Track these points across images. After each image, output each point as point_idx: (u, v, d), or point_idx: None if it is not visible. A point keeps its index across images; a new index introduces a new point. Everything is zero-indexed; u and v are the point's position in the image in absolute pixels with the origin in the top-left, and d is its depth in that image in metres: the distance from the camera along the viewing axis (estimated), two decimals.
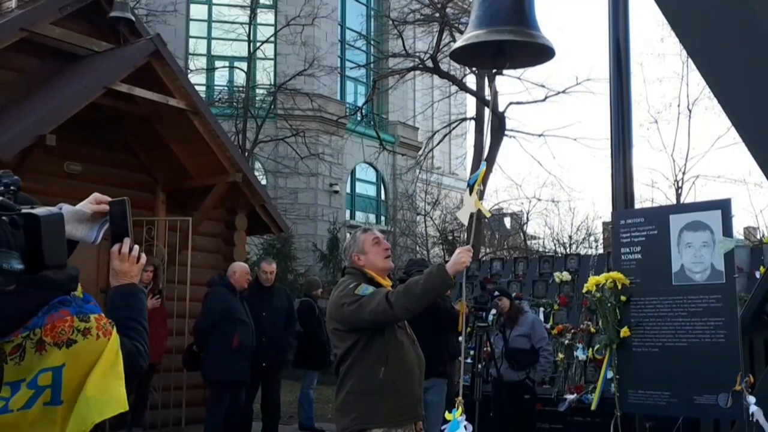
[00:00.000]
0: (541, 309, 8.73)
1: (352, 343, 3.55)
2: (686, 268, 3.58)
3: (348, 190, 23.41)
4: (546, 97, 18.24)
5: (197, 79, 19.83)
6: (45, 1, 7.76)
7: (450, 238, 20.29)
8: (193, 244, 8.39)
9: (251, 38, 19.49)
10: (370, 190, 24.56)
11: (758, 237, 17.03)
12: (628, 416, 3.83)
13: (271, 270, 7.80)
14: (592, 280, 3.80)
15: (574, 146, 48.85)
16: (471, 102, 21.18)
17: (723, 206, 3.53)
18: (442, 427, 3.34)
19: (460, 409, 3.27)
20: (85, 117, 7.42)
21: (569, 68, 39.81)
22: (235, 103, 19.60)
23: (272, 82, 20.86)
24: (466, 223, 3.49)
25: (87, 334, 1.78)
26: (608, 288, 3.73)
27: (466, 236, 17.52)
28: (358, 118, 21.89)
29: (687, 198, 18.56)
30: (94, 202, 2.02)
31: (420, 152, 22.88)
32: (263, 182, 19.32)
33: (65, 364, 1.75)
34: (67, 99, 7.27)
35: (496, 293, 7.21)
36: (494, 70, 14.78)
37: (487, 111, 17.45)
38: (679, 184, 19.02)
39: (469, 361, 6.61)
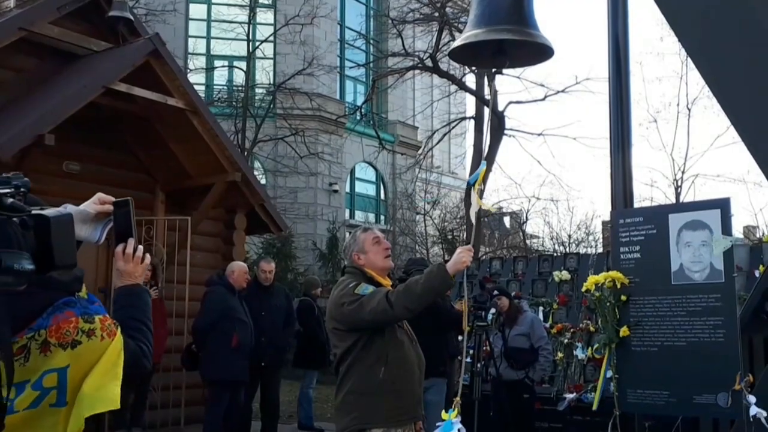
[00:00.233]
0: (541, 308, 8.73)
1: (351, 343, 3.55)
2: (685, 268, 3.58)
3: (347, 189, 23.41)
4: (545, 97, 18.26)
5: (196, 79, 19.82)
6: (43, 0, 7.76)
7: (449, 237, 20.29)
8: (192, 244, 8.38)
9: (250, 37, 19.48)
10: (370, 190, 24.56)
11: (757, 236, 17.04)
12: (627, 415, 3.83)
13: (270, 269, 7.80)
14: (591, 280, 3.79)
15: (573, 145, 48.90)
16: (470, 101, 21.19)
17: (722, 205, 3.53)
18: (436, 424, 3.34)
19: (455, 411, 3.26)
20: (84, 116, 7.41)
21: (569, 67, 39.81)
22: (234, 103, 19.60)
23: (271, 82, 20.85)
24: (475, 222, 3.49)
25: (91, 335, 1.79)
26: (607, 287, 3.73)
27: (466, 235, 17.54)
28: (358, 118, 21.90)
29: (686, 197, 18.59)
30: (98, 202, 2.02)
31: (419, 151, 22.88)
32: (262, 182, 19.33)
33: (70, 365, 1.76)
34: (66, 98, 7.26)
35: (496, 292, 7.21)
36: (494, 70, 14.80)
37: (486, 110, 17.47)
38: (679, 184, 19.05)
39: (468, 360, 6.61)
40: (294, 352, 9.03)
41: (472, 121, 19.55)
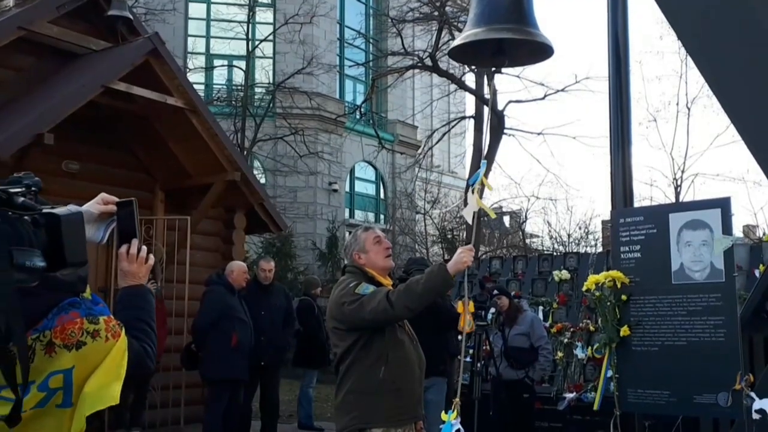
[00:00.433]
0: (541, 307, 8.73)
1: (352, 342, 3.54)
2: (686, 267, 3.57)
3: (347, 188, 23.41)
4: (545, 96, 18.25)
5: (196, 78, 19.81)
6: None
7: (449, 236, 20.29)
8: (191, 243, 8.37)
9: (250, 37, 19.48)
10: (370, 189, 24.56)
11: (757, 235, 17.04)
12: (628, 415, 3.82)
13: (270, 268, 7.79)
14: (591, 279, 3.79)
15: (573, 144, 48.86)
16: (470, 100, 21.19)
17: (722, 205, 3.52)
18: (439, 427, 3.33)
19: (455, 412, 3.26)
20: (84, 116, 7.41)
21: (568, 66, 39.81)
22: (233, 102, 19.60)
23: (271, 81, 20.85)
24: (470, 222, 3.48)
25: (96, 336, 1.79)
26: (607, 287, 3.72)
27: (466, 235, 17.54)
28: (357, 117, 21.90)
29: (686, 196, 18.59)
30: (101, 202, 2.02)
31: (419, 151, 22.88)
32: (262, 181, 19.34)
33: (75, 366, 1.76)
34: (66, 98, 7.26)
35: (495, 292, 7.21)
36: (493, 69, 14.79)
37: (486, 109, 17.45)
38: (678, 183, 19.05)
39: (468, 359, 6.61)
40: (294, 352, 9.02)
41: (472, 121, 19.55)
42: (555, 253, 14.77)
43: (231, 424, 7.02)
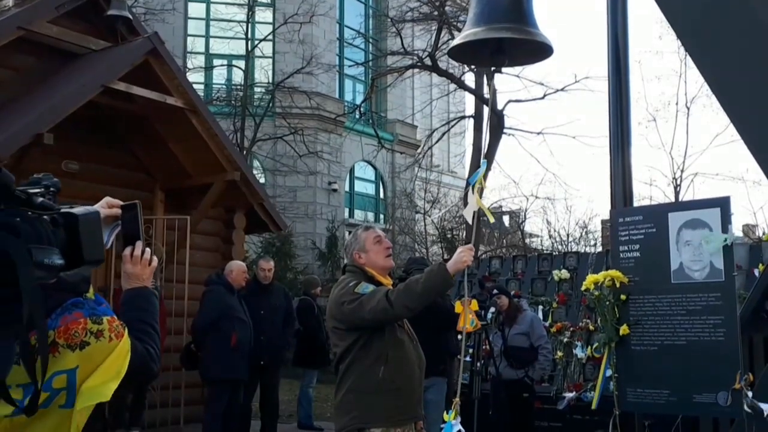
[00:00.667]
0: (540, 307, 8.72)
1: (351, 342, 3.54)
2: (685, 267, 3.57)
3: (347, 188, 23.41)
4: (545, 95, 18.25)
5: (195, 78, 19.81)
6: None
7: (449, 236, 20.29)
8: (191, 243, 8.37)
9: (249, 36, 19.47)
10: (369, 189, 24.56)
11: (757, 234, 17.05)
12: (627, 415, 3.82)
13: (269, 268, 7.79)
14: (591, 278, 3.78)
15: (572, 144, 48.87)
16: (470, 100, 21.18)
17: (722, 204, 3.52)
18: (441, 426, 3.33)
19: (454, 412, 3.26)
20: (83, 115, 7.41)
21: (568, 66, 39.81)
22: (233, 102, 19.59)
23: (270, 81, 20.84)
24: (470, 221, 3.48)
25: (100, 336, 1.80)
26: (607, 286, 3.72)
27: (466, 235, 17.54)
28: (357, 116, 21.89)
29: (685, 196, 18.61)
30: (105, 206, 2.04)
31: (419, 150, 22.88)
32: (262, 181, 19.33)
33: (78, 366, 1.76)
34: (65, 97, 7.25)
35: (495, 291, 7.21)
36: (493, 68, 14.78)
37: (485, 109, 17.45)
38: (678, 182, 19.06)
39: (468, 359, 6.61)
40: (294, 352, 9.02)
41: (472, 120, 19.54)
42: (554, 253, 14.77)
43: (231, 424, 7.02)
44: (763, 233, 16.21)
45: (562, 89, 18.06)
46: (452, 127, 20.83)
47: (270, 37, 20.73)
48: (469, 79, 18.96)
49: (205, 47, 22.20)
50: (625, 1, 4.11)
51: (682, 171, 18.99)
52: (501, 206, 21.96)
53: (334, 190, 22.19)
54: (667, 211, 3.75)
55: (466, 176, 19.05)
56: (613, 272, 3.73)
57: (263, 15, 21.79)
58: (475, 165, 16.48)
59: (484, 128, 18.62)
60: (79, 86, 7.41)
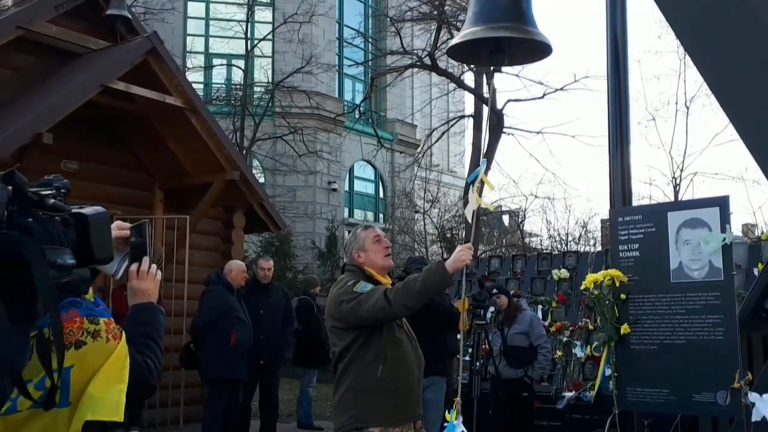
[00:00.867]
0: (540, 306, 8.73)
1: (350, 341, 3.54)
2: (684, 266, 3.57)
3: (346, 187, 23.41)
4: (544, 95, 18.26)
5: (195, 77, 19.81)
6: None
7: (448, 235, 20.29)
8: (190, 243, 8.37)
9: (249, 36, 19.46)
10: (369, 188, 24.56)
11: (756, 234, 17.05)
12: (627, 414, 3.83)
13: (269, 267, 7.79)
14: (590, 278, 3.78)
15: (572, 143, 48.85)
16: (469, 99, 21.19)
17: (721, 203, 3.52)
18: (444, 425, 3.33)
19: (455, 411, 3.26)
20: (82, 115, 7.41)
21: (567, 65, 39.80)
22: (232, 101, 19.59)
23: (270, 80, 20.84)
24: (470, 220, 3.48)
25: (96, 336, 1.81)
26: (606, 285, 3.72)
27: (465, 234, 17.54)
28: (356, 116, 21.89)
29: (685, 195, 18.62)
30: (116, 228, 2.08)
31: (418, 150, 22.87)
32: (261, 180, 19.33)
33: (74, 365, 1.77)
34: (64, 97, 7.25)
35: (495, 291, 7.20)
36: (492, 68, 14.78)
37: (485, 108, 17.46)
38: (677, 182, 19.07)
39: (467, 358, 6.61)
40: (293, 351, 9.02)
41: (471, 119, 19.54)
42: (554, 252, 14.76)
43: (230, 424, 7.02)
44: (762, 232, 16.22)
45: (561, 89, 18.09)
46: (452, 126, 20.83)
47: (269, 36, 20.72)
48: (469, 78, 18.98)
49: (205, 47, 22.19)
50: (624, 0, 4.11)
51: (681, 170, 19.03)
52: (500, 206, 21.96)
53: (334, 190, 22.19)
54: (666, 211, 3.75)
55: (466, 176, 19.06)
56: (613, 271, 3.73)
57: (263, 14, 21.78)
58: (474, 164, 16.48)
59: (484, 127, 18.63)
60: (78, 86, 7.41)
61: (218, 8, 22.17)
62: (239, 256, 8.99)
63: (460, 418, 3.27)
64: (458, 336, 6.86)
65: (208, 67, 21.78)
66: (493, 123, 17.16)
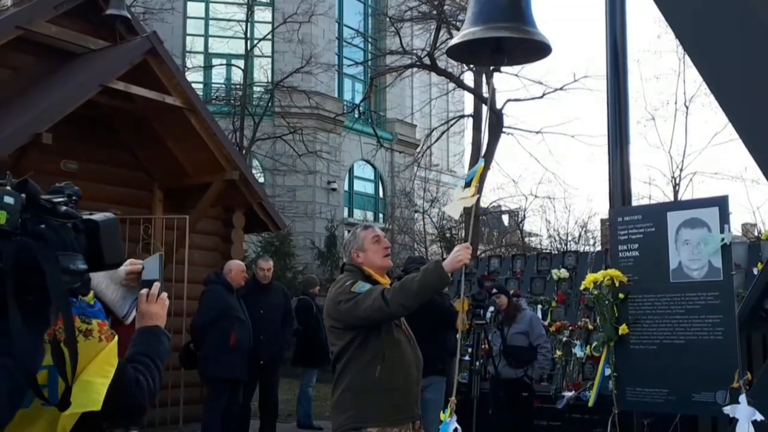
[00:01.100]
0: (539, 306, 8.72)
1: (348, 341, 3.54)
2: (684, 266, 3.57)
3: (346, 187, 23.41)
4: (544, 94, 18.25)
5: (194, 77, 19.81)
6: None
7: (448, 235, 20.29)
8: (190, 242, 8.37)
9: (248, 36, 19.46)
10: (368, 188, 24.55)
11: (756, 233, 17.05)
12: (626, 414, 3.83)
13: (269, 267, 7.79)
14: (590, 278, 3.78)
15: (571, 143, 48.84)
16: (469, 99, 21.19)
17: (720, 203, 3.52)
18: (437, 426, 3.33)
19: (449, 410, 3.26)
20: (82, 115, 7.41)
21: (567, 65, 39.82)
22: (232, 101, 19.59)
23: (269, 80, 20.84)
24: (455, 217, 3.48)
25: (88, 335, 1.82)
26: (606, 285, 3.72)
27: (465, 234, 17.53)
28: (356, 116, 21.88)
29: (684, 195, 18.62)
30: (128, 264, 2.15)
31: (418, 149, 22.87)
32: (261, 180, 19.32)
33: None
34: (64, 97, 7.25)
35: (494, 290, 7.20)
36: (492, 67, 14.78)
37: (484, 108, 17.47)
38: (677, 181, 19.07)
39: (467, 358, 6.61)
40: (293, 351, 9.03)
41: (471, 119, 19.53)
42: (554, 252, 14.78)
43: (230, 424, 7.02)
44: (761, 232, 16.22)
45: (561, 88, 18.08)
46: (451, 126, 20.83)
47: (269, 36, 20.72)
48: (468, 78, 18.98)
49: (204, 47, 22.18)
50: (623, 0, 4.11)
51: (681, 170, 19.03)
52: (500, 205, 21.97)
53: (334, 190, 22.19)
54: (665, 210, 3.75)
55: (465, 175, 19.02)
56: (612, 271, 3.73)
57: (262, 14, 21.78)
58: (474, 164, 16.46)
59: (483, 127, 18.62)
60: (77, 86, 7.41)
61: (218, 8, 22.16)
62: (239, 255, 8.99)
63: (454, 417, 3.27)
64: (458, 336, 6.86)
65: (207, 67, 21.78)
66: (493, 123, 17.16)
